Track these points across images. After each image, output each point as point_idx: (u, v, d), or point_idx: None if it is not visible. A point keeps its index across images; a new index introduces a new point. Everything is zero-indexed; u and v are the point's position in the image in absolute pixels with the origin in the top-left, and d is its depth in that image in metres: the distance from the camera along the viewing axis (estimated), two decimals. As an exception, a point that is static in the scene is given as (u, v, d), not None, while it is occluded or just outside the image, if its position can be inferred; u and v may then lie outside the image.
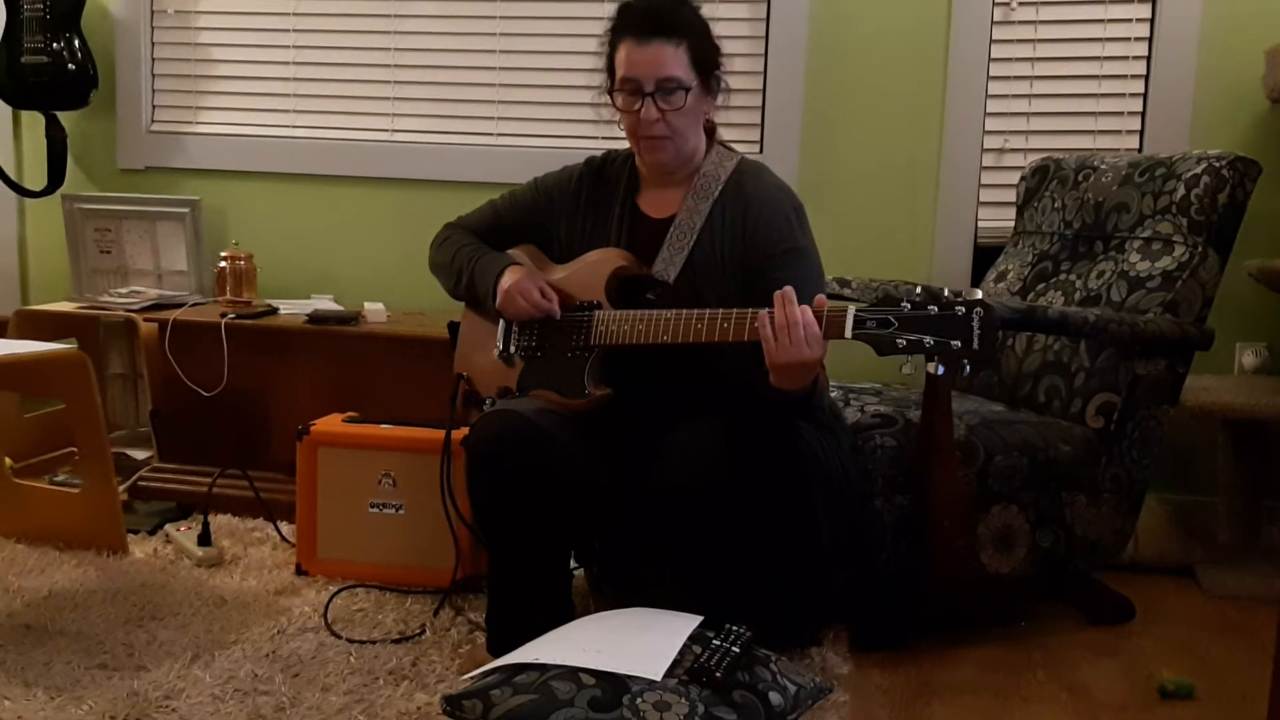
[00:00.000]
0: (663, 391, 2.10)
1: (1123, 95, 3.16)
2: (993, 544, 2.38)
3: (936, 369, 1.85)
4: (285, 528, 2.85)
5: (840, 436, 2.22)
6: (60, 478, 3.01)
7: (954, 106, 3.21)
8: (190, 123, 3.66)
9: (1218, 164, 2.52)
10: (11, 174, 3.61)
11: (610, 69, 2.16)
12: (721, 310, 1.98)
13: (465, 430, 2.14)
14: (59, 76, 3.43)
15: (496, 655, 1.93)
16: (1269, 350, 3.08)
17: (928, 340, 1.82)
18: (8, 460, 2.88)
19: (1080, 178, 2.80)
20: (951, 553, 2.30)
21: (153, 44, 3.66)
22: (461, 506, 2.30)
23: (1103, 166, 2.77)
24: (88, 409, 2.61)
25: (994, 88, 3.21)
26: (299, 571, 2.60)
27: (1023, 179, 2.99)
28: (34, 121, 3.60)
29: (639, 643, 1.82)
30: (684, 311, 2.01)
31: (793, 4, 3.26)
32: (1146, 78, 3.13)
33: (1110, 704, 2.13)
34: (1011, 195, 3.04)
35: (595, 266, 2.18)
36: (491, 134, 3.50)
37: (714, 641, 1.82)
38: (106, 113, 3.64)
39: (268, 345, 3.13)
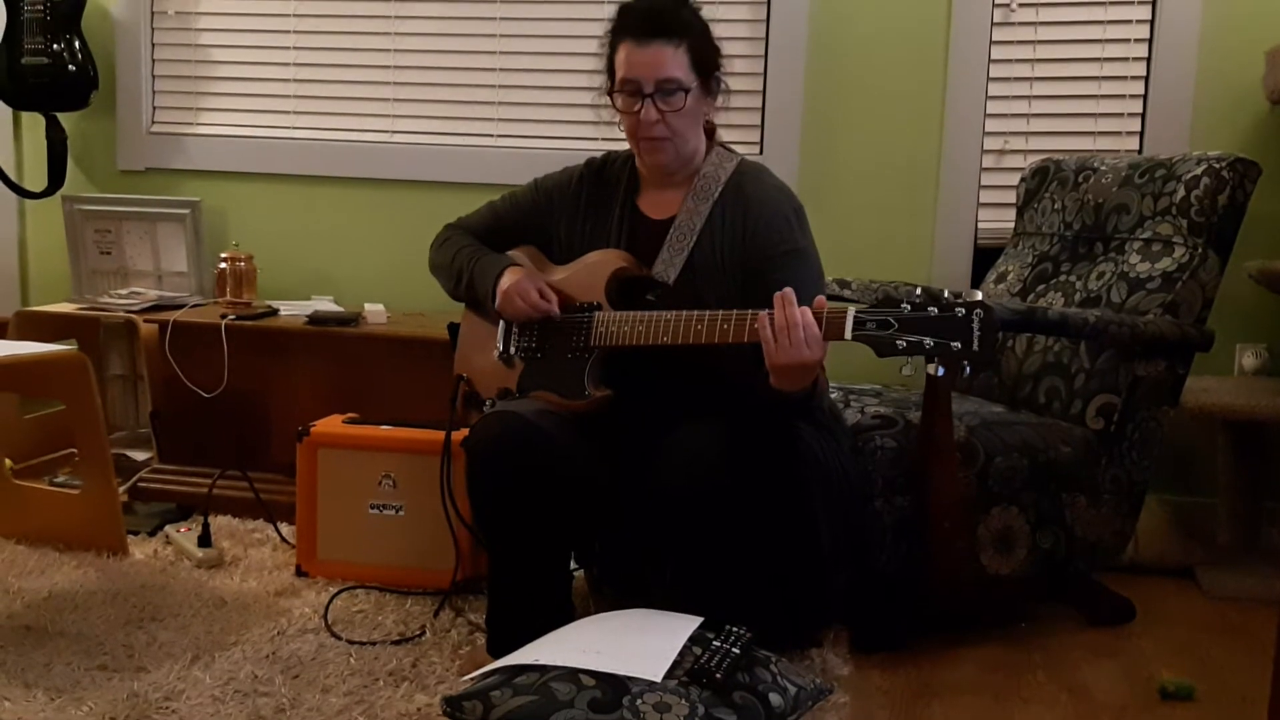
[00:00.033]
0: (663, 393, 2.10)
1: (1123, 96, 3.16)
2: (993, 545, 2.38)
3: (936, 370, 1.84)
4: (285, 529, 2.85)
5: (840, 438, 2.22)
6: (60, 479, 3.01)
7: (954, 107, 3.21)
8: (190, 124, 3.66)
9: (1218, 165, 2.52)
10: (12, 175, 3.61)
11: (610, 70, 2.16)
12: (721, 311, 1.98)
13: (465, 431, 2.14)
14: (59, 78, 3.43)
15: (497, 656, 1.93)
16: (1269, 351, 3.08)
17: (928, 341, 1.82)
18: (8, 461, 2.88)
19: (1080, 179, 2.80)
20: (951, 554, 2.30)
21: (153, 45, 3.66)
22: (461, 508, 2.30)
23: (1103, 168, 2.77)
24: (88, 410, 2.61)
25: (994, 89, 3.21)
26: (299, 573, 2.60)
27: (1023, 180, 2.99)
28: (34, 123, 3.60)
29: (639, 644, 1.82)
30: (684, 313, 2.01)
31: (793, 5, 3.26)
32: (1146, 79, 3.13)
33: (1110, 705, 2.13)
34: (1011, 196, 3.04)
35: (595, 268, 2.18)
36: (491, 135, 3.50)
37: (714, 643, 1.82)
38: (107, 114, 3.64)
39: (268, 346, 3.13)
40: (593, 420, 2.14)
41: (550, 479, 2.05)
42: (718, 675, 1.74)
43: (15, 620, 2.29)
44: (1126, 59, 3.14)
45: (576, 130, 3.40)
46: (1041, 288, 2.75)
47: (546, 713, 1.66)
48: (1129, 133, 3.16)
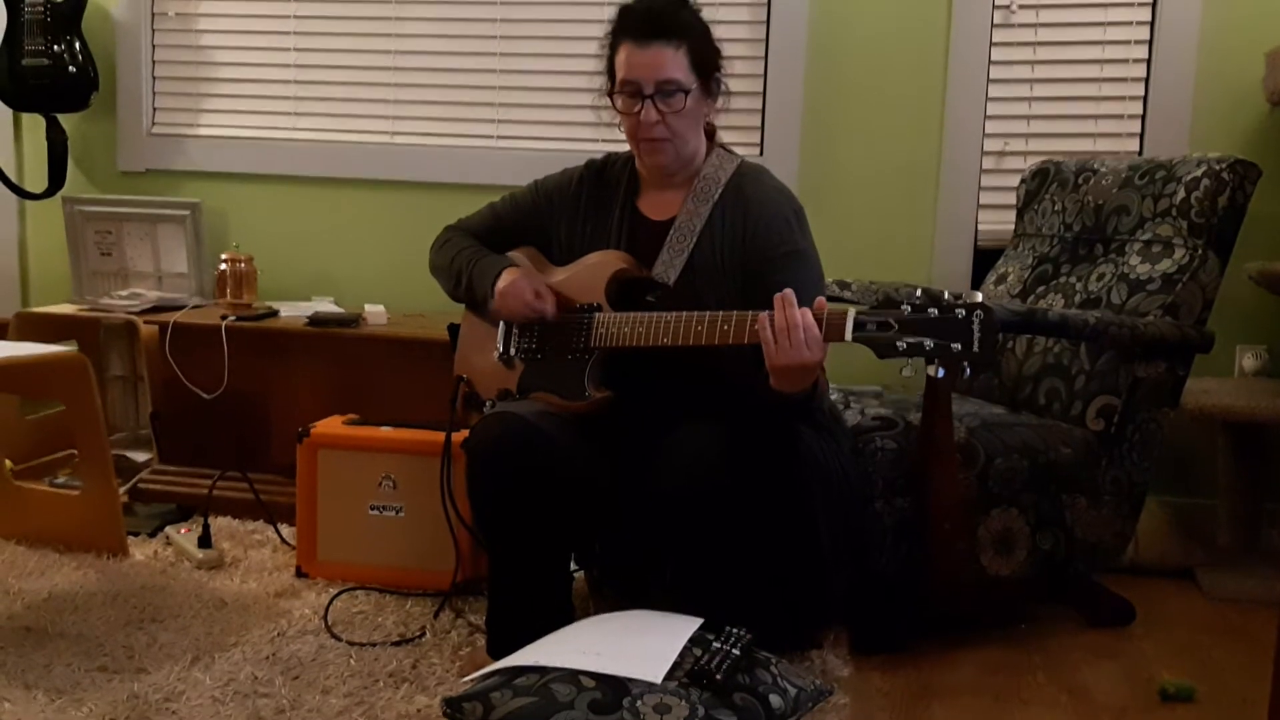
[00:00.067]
0: (663, 394, 2.10)
1: (1123, 98, 3.16)
2: (993, 546, 2.38)
3: (937, 371, 1.84)
4: (285, 530, 2.85)
5: (840, 439, 2.22)
6: (60, 480, 3.00)
7: (954, 109, 3.21)
8: (191, 125, 3.66)
9: (1218, 167, 2.52)
10: (12, 176, 3.61)
11: (610, 71, 2.16)
12: (721, 313, 1.98)
13: (465, 433, 2.14)
14: (60, 79, 3.44)
15: (497, 658, 1.93)
16: (1269, 353, 3.08)
17: (928, 343, 1.82)
18: (8, 462, 2.88)
19: (1080, 180, 2.80)
20: (952, 555, 2.30)
21: (153, 46, 3.66)
22: (461, 509, 2.30)
23: (1102, 169, 2.77)
24: (88, 411, 2.61)
25: (994, 90, 3.21)
26: (299, 574, 2.60)
27: (1023, 182, 2.99)
28: (35, 124, 3.60)
29: (639, 645, 1.82)
30: (684, 314, 2.01)
31: (793, 6, 3.26)
32: (1146, 80, 3.13)
33: (1110, 706, 2.13)
34: (1011, 198, 3.04)
35: (595, 269, 2.18)
36: (492, 136, 3.50)
37: (714, 644, 1.82)
38: (107, 115, 3.64)
39: (268, 347, 3.13)
40: (593, 421, 2.14)
41: (550, 480, 2.05)
42: (718, 676, 1.74)
43: (15, 621, 2.29)
44: (1126, 60, 3.14)
45: (577, 131, 3.40)
46: (1041, 289, 2.75)
47: (547, 714, 1.66)
48: (1129, 134, 3.16)
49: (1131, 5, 3.12)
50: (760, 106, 3.32)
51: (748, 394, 1.99)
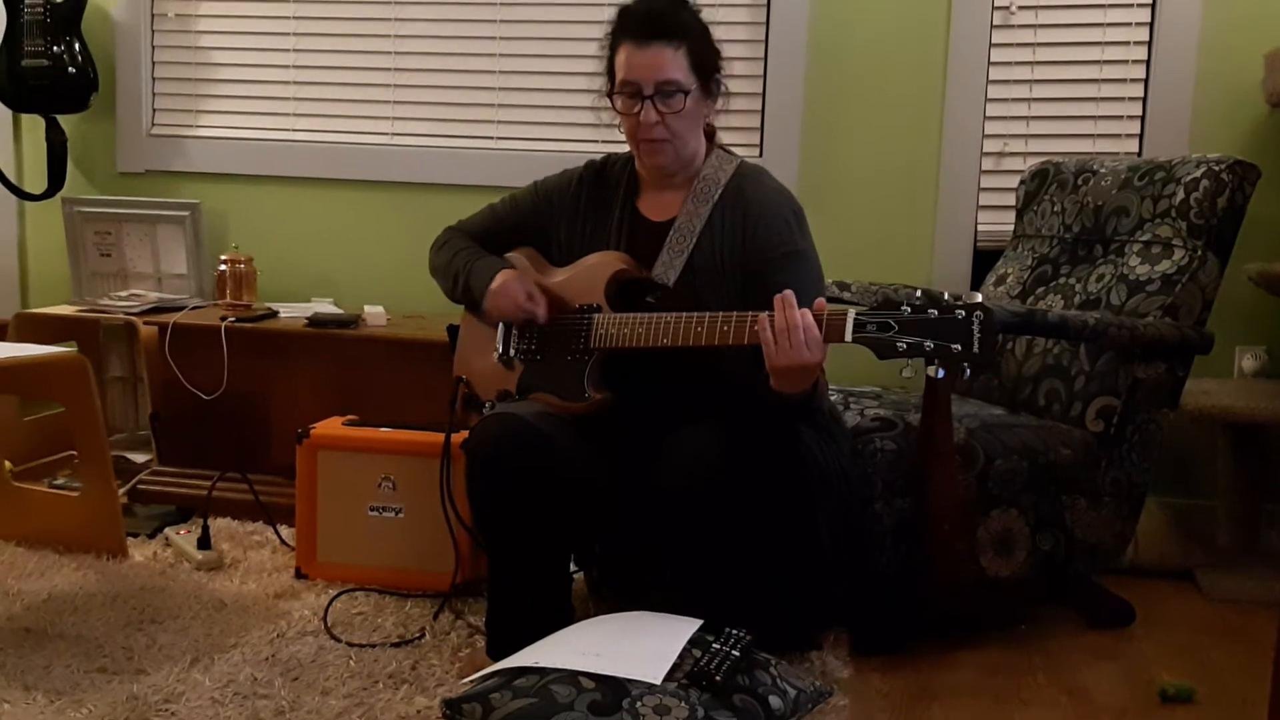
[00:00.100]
0: (662, 395, 2.10)
1: (1122, 99, 3.16)
2: (992, 547, 2.38)
3: (937, 372, 1.84)
4: (285, 531, 2.84)
5: (840, 440, 2.22)
6: (60, 481, 3.00)
7: (953, 110, 3.21)
8: (190, 126, 3.66)
9: (1217, 168, 2.52)
10: (11, 177, 3.61)
11: (610, 72, 2.17)
12: (721, 313, 1.98)
13: (465, 434, 2.14)
14: (59, 80, 3.44)
15: (496, 659, 1.93)
16: (1268, 354, 3.08)
17: (928, 343, 1.82)
18: (7, 464, 2.87)
19: (1080, 181, 2.80)
20: (951, 556, 2.30)
21: (153, 47, 3.66)
22: (461, 510, 2.30)
23: (1102, 170, 2.77)
24: (87, 412, 2.61)
25: (993, 91, 3.21)
26: (298, 575, 2.60)
27: (1022, 182, 2.99)
28: (34, 125, 3.60)
29: (638, 646, 1.82)
30: (684, 315, 2.01)
31: (792, 7, 3.26)
32: (1146, 81, 3.13)
33: (1110, 708, 2.13)
34: (1011, 199, 3.04)
35: (595, 269, 2.18)
36: (491, 137, 3.50)
37: (714, 645, 1.82)
38: (107, 116, 3.64)
39: (268, 348, 3.13)
40: (592, 422, 2.14)
41: (550, 481, 2.05)
42: (717, 678, 1.74)
43: (15, 622, 2.29)
44: (1126, 61, 3.15)
45: (576, 133, 3.40)
46: (1041, 290, 2.75)
47: (546, 715, 1.66)
48: (1128, 135, 3.17)
49: (1131, 6, 3.12)
50: (760, 107, 3.32)
51: (747, 395, 1.99)
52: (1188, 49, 3.07)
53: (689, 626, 1.87)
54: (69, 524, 2.72)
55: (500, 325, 2.25)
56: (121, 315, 3.23)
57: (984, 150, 3.23)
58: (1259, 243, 2.92)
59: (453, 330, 2.40)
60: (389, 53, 3.53)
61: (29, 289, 3.77)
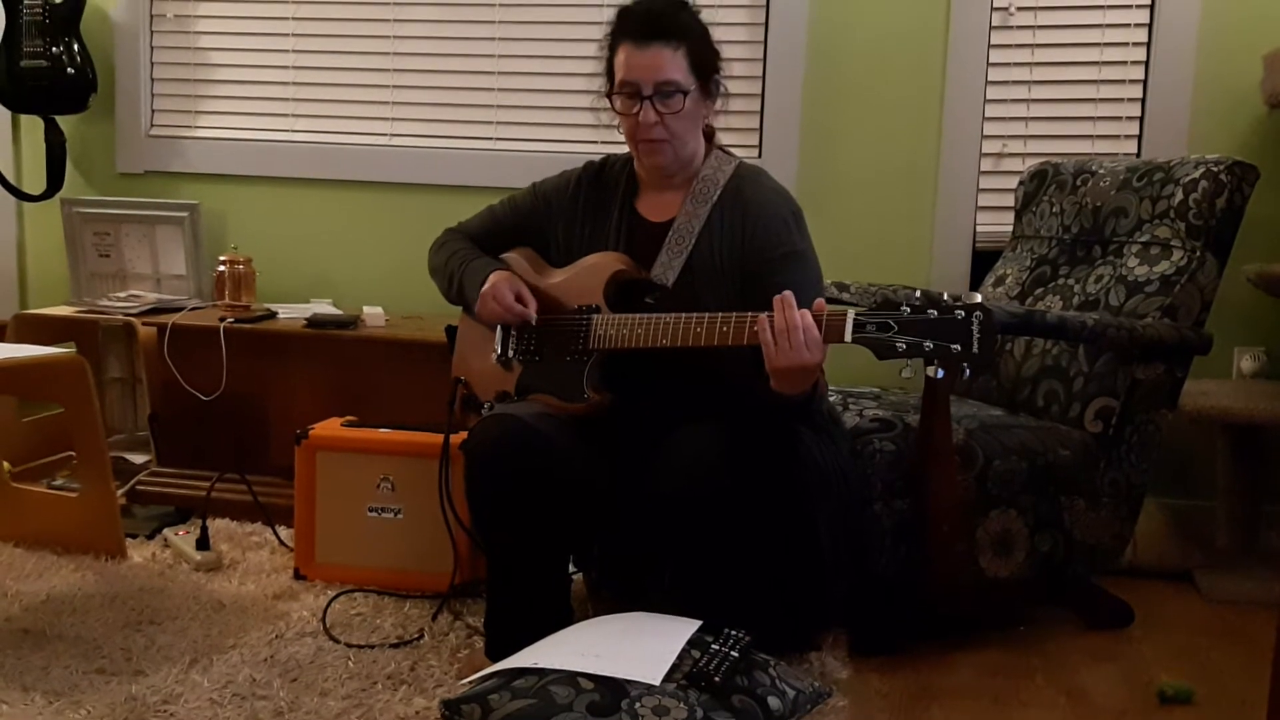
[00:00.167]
0: (661, 395, 2.10)
1: (1121, 100, 3.16)
2: (991, 548, 2.38)
3: (936, 373, 1.84)
4: (284, 532, 2.84)
5: (839, 441, 2.22)
6: (59, 482, 3.00)
7: (952, 111, 3.21)
8: (189, 127, 3.66)
9: (1216, 169, 2.52)
10: (10, 178, 3.61)
11: (609, 72, 2.17)
12: (720, 314, 1.97)
13: (463, 434, 2.14)
14: (58, 80, 3.44)
15: (495, 660, 1.93)
16: (1267, 355, 3.08)
17: (927, 344, 1.82)
18: (6, 464, 2.87)
19: (1078, 182, 2.80)
20: (950, 557, 2.30)
21: (152, 48, 3.66)
22: (460, 511, 2.29)
23: (1101, 171, 2.77)
24: (86, 413, 2.61)
25: (992, 92, 3.22)
26: (297, 576, 2.60)
27: (1021, 183, 2.99)
28: (33, 125, 3.60)
29: (637, 647, 1.82)
30: (683, 315, 2.01)
31: (792, 8, 3.26)
32: (1145, 82, 3.13)
33: (1109, 709, 2.13)
34: (1010, 200, 3.04)
35: (593, 270, 2.18)
36: (490, 138, 3.50)
37: (713, 646, 1.82)
38: (105, 117, 3.64)
39: (266, 349, 3.13)
40: (591, 423, 2.14)
41: (549, 482, 2.05)
42: (716, 678, 1.74)
43: (13, 623, 2.29)
44: (1125, 62, 3.15)
45: (575, 134, 3.40)
46: (1040, 291, 2.75)
47: (545, 716, 1.66)
48: (1127, 136, 3.17)
49: (1130, 7, 3.13)
50: (759, 108, 3.32)
51: (747, 396, 1.99)
52: (1187, 50, 3.07)
53: (688, 627, 1.87)
54: (68, 525, 2.71)
55: (499, 326, 2.25)
56: (120, 316, 3.23)
57: (983, 151, 3.23)
58: (1258, 244, 2.92)
59: (451, 331, 2.40)
60: (388, 54, 3.53)
61: (28, 290, 3.77)
